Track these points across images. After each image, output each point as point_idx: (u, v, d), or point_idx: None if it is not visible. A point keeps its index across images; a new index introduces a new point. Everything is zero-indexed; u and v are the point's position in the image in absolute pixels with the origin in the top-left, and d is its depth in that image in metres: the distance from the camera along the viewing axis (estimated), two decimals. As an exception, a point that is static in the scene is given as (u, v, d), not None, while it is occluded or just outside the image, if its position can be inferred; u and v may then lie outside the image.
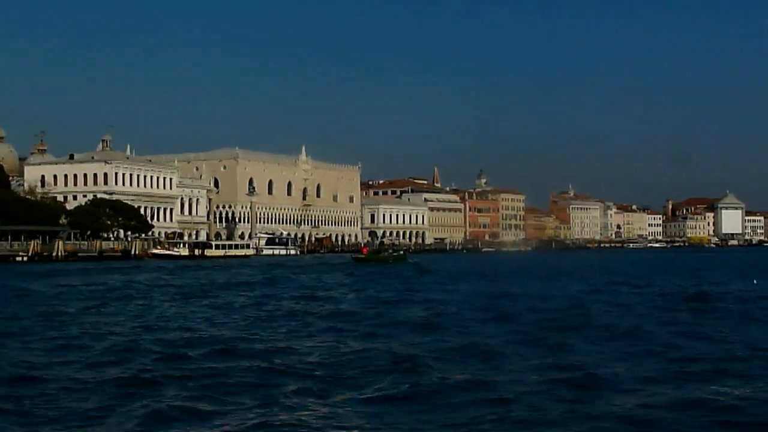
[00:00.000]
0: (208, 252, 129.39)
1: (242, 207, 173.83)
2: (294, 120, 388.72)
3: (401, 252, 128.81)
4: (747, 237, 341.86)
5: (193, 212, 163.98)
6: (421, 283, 58.32)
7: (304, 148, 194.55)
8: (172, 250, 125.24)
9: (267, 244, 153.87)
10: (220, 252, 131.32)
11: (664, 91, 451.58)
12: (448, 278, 65.81)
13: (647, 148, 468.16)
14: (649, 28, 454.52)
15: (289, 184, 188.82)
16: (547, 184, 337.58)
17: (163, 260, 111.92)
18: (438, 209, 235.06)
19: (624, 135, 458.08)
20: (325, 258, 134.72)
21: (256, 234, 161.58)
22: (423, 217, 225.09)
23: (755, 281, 58.78)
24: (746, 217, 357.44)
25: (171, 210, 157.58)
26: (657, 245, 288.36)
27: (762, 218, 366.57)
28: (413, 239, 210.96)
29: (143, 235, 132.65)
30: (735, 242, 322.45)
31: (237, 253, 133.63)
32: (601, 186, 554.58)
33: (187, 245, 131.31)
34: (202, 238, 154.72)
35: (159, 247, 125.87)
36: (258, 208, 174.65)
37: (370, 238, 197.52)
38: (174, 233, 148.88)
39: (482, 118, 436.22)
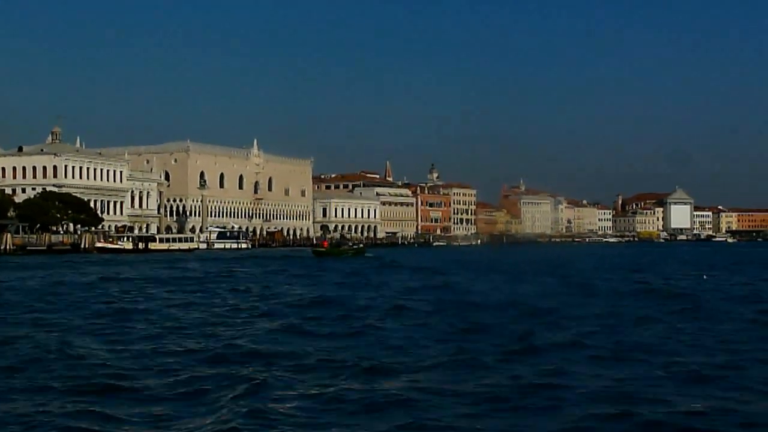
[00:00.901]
0: (152, 245, 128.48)
1: (193, 200, 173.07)
2: (246, 113, 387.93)
3: (361, 246, 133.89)
4: (695, 232, 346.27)
5: (144, 205, 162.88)
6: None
7: (255, 142, 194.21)
8: (117, 244, 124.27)
9: (218, 237, 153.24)
10: (164, 246, 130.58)
11: (615, 87, 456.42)
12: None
13: (598, 143, 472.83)
14: (594, 21, 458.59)
15: (241, 178, 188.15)
16: (499, 178, 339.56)
17: (108, 254, 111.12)
18: (390, 203, 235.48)
19: (574, 130, 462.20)
20: (275, 252, 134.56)
21: (207, 228, 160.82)
22: (375, 211, 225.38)
23: (705, 277, 59.65)
24: (695, 213, 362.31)
25: (121, 203, 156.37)
26: (614, 240, 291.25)
27: (710, 213, 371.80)
28: (365, 233, 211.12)
29: (93, 229, 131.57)
30: (684, 237, 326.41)
31: (181, 247, 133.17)
32: (552, 181, 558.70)
33: (131, 239, 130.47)
34: (153, 231, 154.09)
35: (103, 241, 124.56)
36: (209, 201, 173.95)
37: (322, 232, 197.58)
38: (124, 226, 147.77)
39: (434, 112, 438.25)
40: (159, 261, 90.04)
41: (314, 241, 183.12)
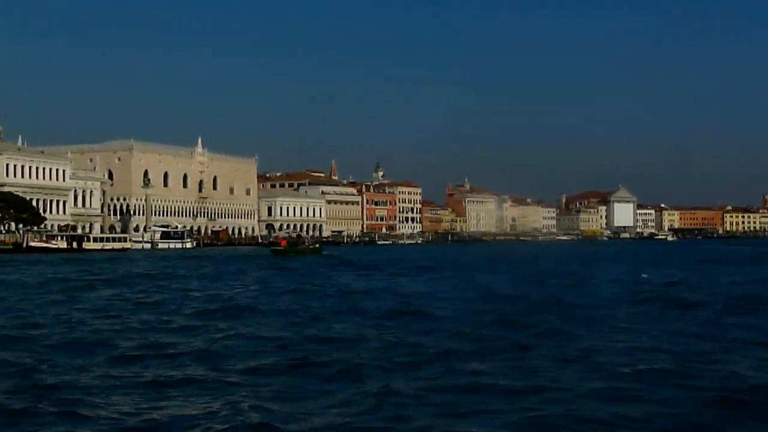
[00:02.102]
0: (86, 245, 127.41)
1: (137, 199, 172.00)
2: (190, 112, 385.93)
3: (317, 245, 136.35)
4: (638, 230, 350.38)
5: (87, 204, 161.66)
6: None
7: (200, 140, 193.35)
8: (50, 243, 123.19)
9: (162, 237, 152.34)
10: (98, 245, 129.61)
11: (557, 86, 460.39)
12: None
13: (542, 142, 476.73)
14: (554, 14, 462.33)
15: (185, 176, 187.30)
16: (443, 177, 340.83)
17: (41, 253, 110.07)
18: (335, 202, 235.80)
19: (518, 129, 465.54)
20: (221, 251, 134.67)
21: (150, 227, 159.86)
22: (320, 209, 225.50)
23: (644, 275, 61.14)
24: (638, 211, 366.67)
25: (64, 202, 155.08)
26: (566, 238, 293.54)
27: (653, 211, 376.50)
28: (310, 232, 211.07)
29: (35, 228, 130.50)
30: (627, 235, 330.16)
31: (115, 247, 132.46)
32: (496, 179, 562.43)
33: (65, 238, 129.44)
34: (96, 230, 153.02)
35: (37, 240, 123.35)
36: (153, 200, 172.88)
37: (267, 231, 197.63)
38: (67, 226, 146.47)
39: (379, 111, 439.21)
40: (76, 261, 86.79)
41: (259, 240, 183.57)
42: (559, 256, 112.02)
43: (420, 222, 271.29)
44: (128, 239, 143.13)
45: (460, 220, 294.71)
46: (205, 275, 62.35)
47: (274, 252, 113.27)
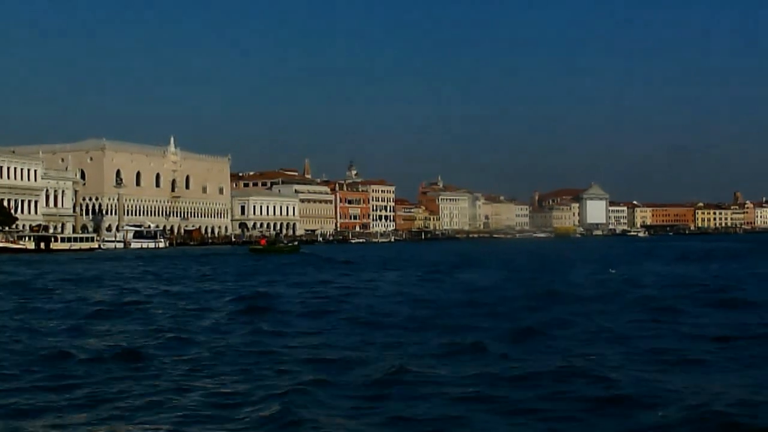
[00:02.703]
0: (53, 245, 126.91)
1: (109, 199, 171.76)
2: (163, 111, 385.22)
3: (295, 243, 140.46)
4: (611, 227, 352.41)
5: (59, 204, 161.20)
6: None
7: (172, 139, 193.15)
8: (18, 244, 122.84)
9: (135, 236, 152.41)
10: (66, 245, 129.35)
11: (529, 84, 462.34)
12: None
13: (515, 139, 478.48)
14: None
15: (158, 176, 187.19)
16: (417, 175, 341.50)
17: (7, 254, 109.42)
18: (309, 201, 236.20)
19: (490, 126, 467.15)
20: (193, 250, 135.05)
21: (123, 226, 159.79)
22: (294, 208, 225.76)
23: (612, 270, 62.45)
24: (610, 208, 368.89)
25: (36, 202, 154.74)
26: (543, 235, 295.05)
27: (625, 208, 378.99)
28: (284, 231, 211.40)
29: (7, 228, 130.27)
30: (599, 232, 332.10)
31: (83, 246, 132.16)
32: (470, 177, 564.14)
33: (32, 238, 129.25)
34: (69, 230, 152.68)
35: (5, 241, 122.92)
36: (126, 200, 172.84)
37: (241, 230, 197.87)
38: (39, 226, 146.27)
39: (352, 109, 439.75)
40: (36, 263, 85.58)
41: (233, 239, 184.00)
42: (537, 254, 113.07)
43: (393, 220, 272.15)
44: (95, 239, 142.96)
45: (433, 218, 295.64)
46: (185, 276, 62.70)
47: (252, 251, 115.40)
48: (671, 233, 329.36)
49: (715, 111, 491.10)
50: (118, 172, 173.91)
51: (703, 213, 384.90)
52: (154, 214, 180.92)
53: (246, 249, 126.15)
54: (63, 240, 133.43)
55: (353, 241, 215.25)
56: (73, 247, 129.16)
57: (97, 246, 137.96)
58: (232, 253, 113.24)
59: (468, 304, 34.75)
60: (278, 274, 62.48)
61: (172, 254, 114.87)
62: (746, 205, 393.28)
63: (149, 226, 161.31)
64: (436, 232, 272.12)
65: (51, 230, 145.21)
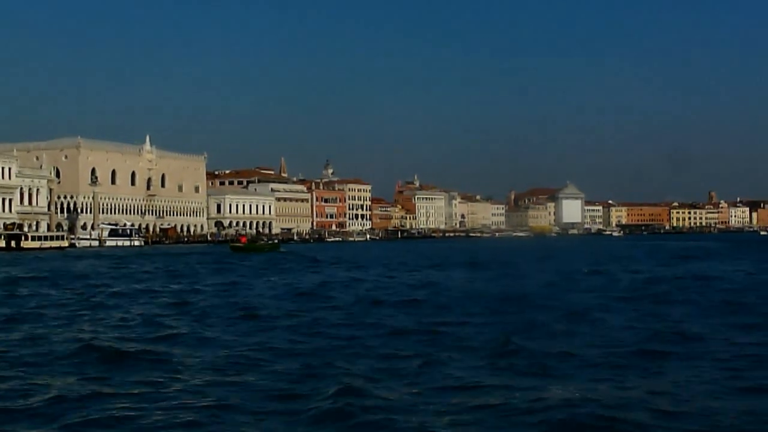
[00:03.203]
0: (24, 244, 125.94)
1: (84, 197, 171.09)
2: (138, 109, 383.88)
3: (275, 241, 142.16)
4: (586, 226, 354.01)
5: (34, 203, 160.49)
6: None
7: (148, 138, 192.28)
8: None
9: (110, 235, 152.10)
10: (37, 244, 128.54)
11: (506, 84, 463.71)
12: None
13: (491, 138, 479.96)
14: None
15: (133, 174, 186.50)
16: (393, 174, 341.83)
17: None
18: (285, 199, 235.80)
19: (467, 125, 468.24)
20: (167, 249, 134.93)
21: (98, 225, 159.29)
22: (270, 207, 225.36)
23: (585, 270, 62.95)
24: (585, 207, 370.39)
25: (10, 200, 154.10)
26: (523, 234, 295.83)
27: (600, 208, 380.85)
28: (260, 229, 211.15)
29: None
30: (575, 231, 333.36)
31: (53, 245, 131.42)
32: (446, 176, 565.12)
33: (3, 237, 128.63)
34: (43, 229, 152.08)
35: None
36: (101, 198, 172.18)
37: (216, 228, 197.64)
38: (13, 224, 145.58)
39: (328, 107, 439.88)
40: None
41: (209, 237, 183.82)
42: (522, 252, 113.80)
43: (370, 219, 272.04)
44: (65, 237, 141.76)
45: (409, 217, 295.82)
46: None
47: (233, 249, 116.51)
48: (646, 233, 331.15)
49: (692, 112, 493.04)
50: (93, 171, 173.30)
51: (678, 212, 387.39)
52: (130, 213, 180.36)
53: (223, 247, 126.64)
54: (34, 239, 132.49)
55: (329, 240, 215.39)
56: (43, 246, 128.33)
57: (68, 245, 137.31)
58: (212, 252, 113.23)
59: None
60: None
61: (149, 253, 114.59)
62: (720, 205, 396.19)
63: (125, 225, 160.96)
64: (413, 231, 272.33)
65: (26, 228, 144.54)
